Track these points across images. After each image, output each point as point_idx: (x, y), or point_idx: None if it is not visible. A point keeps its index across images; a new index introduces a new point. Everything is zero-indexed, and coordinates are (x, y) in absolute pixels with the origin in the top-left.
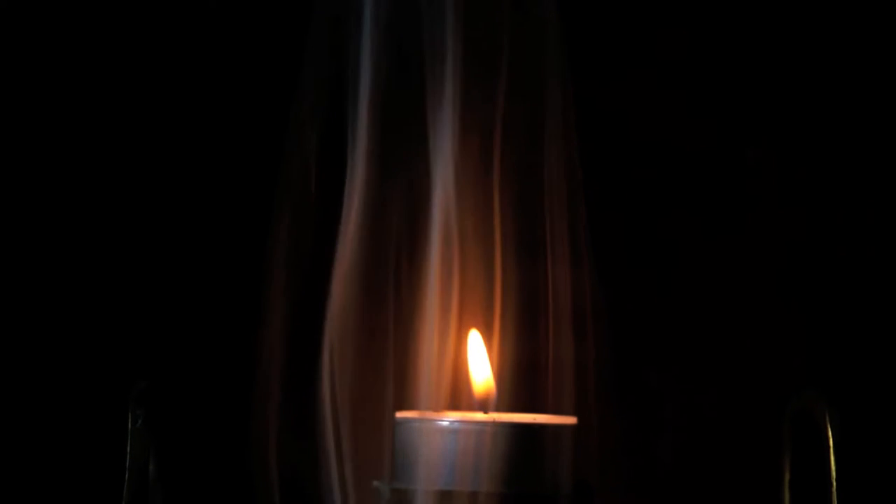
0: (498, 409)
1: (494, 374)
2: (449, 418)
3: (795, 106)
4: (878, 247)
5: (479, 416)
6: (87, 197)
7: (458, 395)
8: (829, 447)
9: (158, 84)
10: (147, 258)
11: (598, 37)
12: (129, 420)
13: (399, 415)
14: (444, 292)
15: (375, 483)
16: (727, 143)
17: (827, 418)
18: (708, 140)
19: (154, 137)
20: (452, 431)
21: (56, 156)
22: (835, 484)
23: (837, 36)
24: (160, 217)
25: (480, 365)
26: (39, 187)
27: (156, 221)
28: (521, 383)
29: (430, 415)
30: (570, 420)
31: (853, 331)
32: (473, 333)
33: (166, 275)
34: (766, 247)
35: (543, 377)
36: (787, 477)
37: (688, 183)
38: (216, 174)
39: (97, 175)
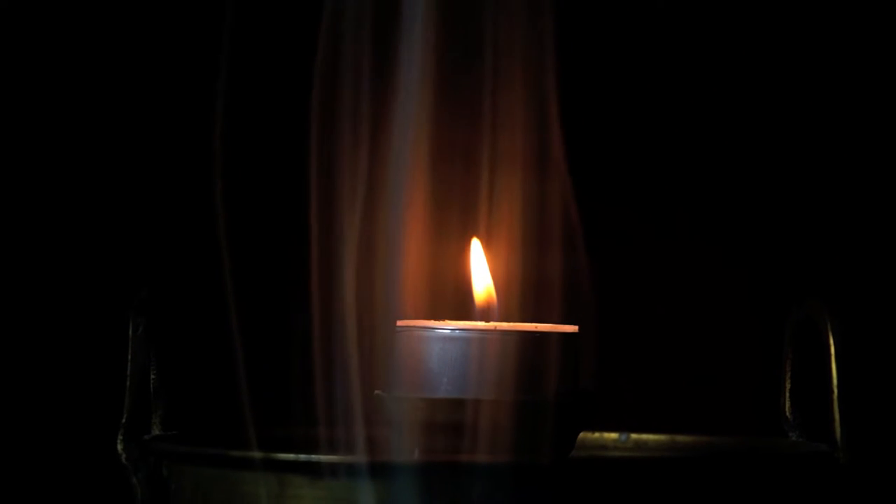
0: (499, 318)
1: (495, 284)
2: (450, 326)
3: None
4: (881, 156)
5: (481, 324)
6: (91, 107)
7: (459, 305)
8: (830, 356)
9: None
10: (148, 165)
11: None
12: (130, 328)
13: (401, 323)
14: (440, 206)
15: (377, 392)
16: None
17: (829, 327)
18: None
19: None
20: (454, 339)
21: (59, 78)
22: (836, 392)
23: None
24: (162, 128)
25: (481, 274)
26: (44, 105)
27: (158, 132)
28: (521, 294)
29: (431, 323)
30: (572, 328)
31: (856, 239)
32: (474, 242)
33: (167, 181)
34: (769, 155)
35: (543, 288)
36: (788, 385)
37: (689, 101)
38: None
39: (100, 85)
